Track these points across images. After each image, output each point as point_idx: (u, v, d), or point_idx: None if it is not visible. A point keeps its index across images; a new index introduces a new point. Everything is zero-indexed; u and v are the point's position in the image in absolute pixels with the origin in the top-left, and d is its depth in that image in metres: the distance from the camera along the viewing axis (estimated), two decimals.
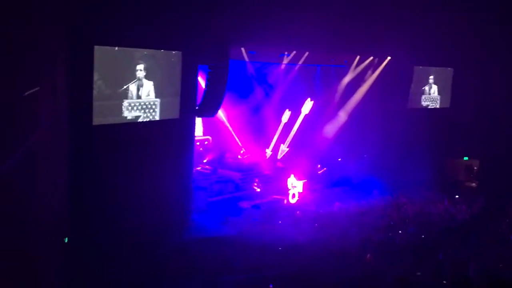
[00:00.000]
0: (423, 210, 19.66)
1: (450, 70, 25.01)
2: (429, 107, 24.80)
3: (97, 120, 13.93)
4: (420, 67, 24.15)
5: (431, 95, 24.72)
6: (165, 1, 15.13)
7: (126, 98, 14.79)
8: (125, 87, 14.67)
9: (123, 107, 14.75)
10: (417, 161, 22.04)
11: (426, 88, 24.57)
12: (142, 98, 15.22)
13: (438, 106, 25.11)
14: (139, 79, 15.04)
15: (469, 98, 23.32)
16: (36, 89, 8.31)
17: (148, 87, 15.34)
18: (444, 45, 22.52)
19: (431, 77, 24.61)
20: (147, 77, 15.21)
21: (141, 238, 14.16)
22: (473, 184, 24.59)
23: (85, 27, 12.78)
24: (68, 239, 12.43)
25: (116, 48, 14.31)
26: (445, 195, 21.63)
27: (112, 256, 13.02)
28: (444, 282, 12.59)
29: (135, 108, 15.09)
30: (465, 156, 25.09)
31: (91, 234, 13.28)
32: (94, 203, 13.59)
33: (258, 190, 21.04)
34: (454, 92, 25.08)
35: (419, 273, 12.91)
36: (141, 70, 15.03)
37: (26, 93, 7.77)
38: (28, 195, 8.20)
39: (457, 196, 21.93)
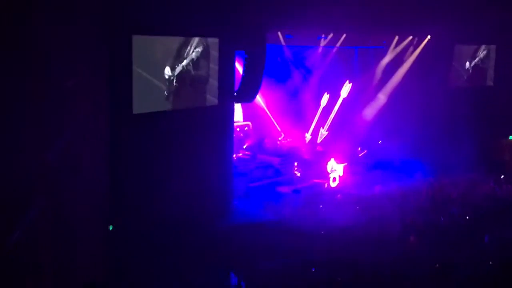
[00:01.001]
0: (468, 191, 19.32)
1: (493, 47, 24.34)
2: (471, 86, 24.21)
3: (137, 109, 14.06)
4: (461, 45, 23.57)
5: (473, 73, 24.12)
6: None
7: (165, 87, 14.84)
8: (162, 75, 14.72)
9: (160, 97, 14.80)
10: (460, 141, 21.62)
11: (467, 66, 23.99)
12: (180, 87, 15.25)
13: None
14: (178, 68, 15.07)
15: None
16: (76, 80, 8.44)
17: (187, 76, 15.35)
18: (485, 21, 21.88)
19: (474, 55, 24.00)
20: (185, 66, 15.22)
21: (183, 225, 14.32)
22: None
23: (122, 16, 12.88)
24: (113, 227, 12.66)
25: (154, 37, 14.38)
26: (490, 176, 21.20)
27: (154, 243, 13.22)
28: (490, 263, 12.37)
29: (172, 97, 15.11)
30: (510, 136, 24.46)
31: (134, 222, 13.48)
32: (136, 192, 13.77)
33: (298, 174, 21.00)
34: (497, 70, 24.43)
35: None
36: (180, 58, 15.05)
37: (66, 85, 7.90)
38: (71, 185, 8.36)
39: (502, 176, 21.45)
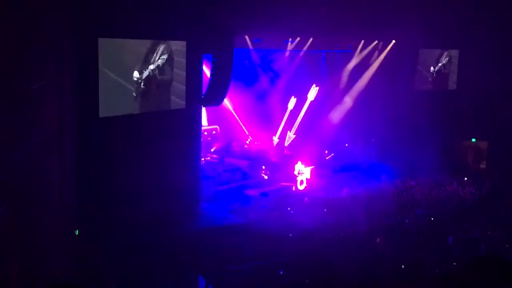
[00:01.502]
0: (432, 192, 19.65)
1: (455, 52, 24.84)
2: (435, 90, 24.67)
3: (103, 112, 13.95)
4: (425, 49, 24.00)
5: (437, 78, 24.58)
6: None
7: (131, 91, 14.75)
8: (130, 78, 14.64)
9: (127, 101, 14.70)
10: (425, 144, 21.96)
11: (431, 71, 24.45)
12: (147, 90, 15.19)
13: (448, 88, 24.98)
14: (143, 71, 15.00)
15: (476, 79, 23.14)
16: (43, 83, 8.34)
17: (153, 79, 15.30)
18: (449, 26, 22.34)
19: (437, 59, 24.47)
20: (152, 70, 15.17)
21: (150, 228, 14.23)
22: (482, 166, 24.50)
23: (88, 19, 12.77)
24: (78, 232, 12.51)
25: (120, 40, 14.30)
26: (453, 178, 21.60)
27: (121, 246, 13.10)
28: (454, 264, 12.60)
29: (139, 100, 15.04)
30: (473, 138, 24.97)
31: (100, 225, 13.34)
32: (102, 196, 13.65)
33: (266, 177, 21.06)
34: (460, 74, 24.92)
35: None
36: (144, 62, 15.00)
37: (33, 87, 7.80)
38: (37, 188, 8.24)
39: (466, 178, 21.88)
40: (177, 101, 16.26)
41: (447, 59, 24.60)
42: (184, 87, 16.35)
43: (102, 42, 13.71)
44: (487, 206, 18.32)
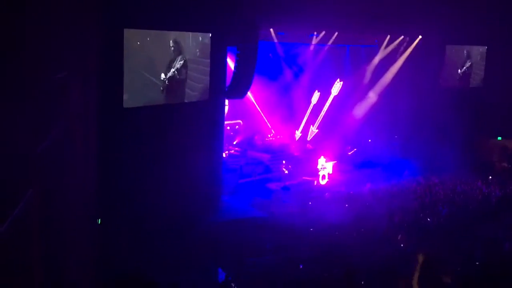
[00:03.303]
0: (456, 190, 19.43)
1: (483, 48, 24.49)
2: (462, 87, 24.38)
3: (127, 103, 14.03)
4: (452, 45, 23.69)
5: (463, 74, 24.29)
6: None
7: (156, 82, 14.84)
8: (153, 70, 14.72)
9: (151, 91, 14.79)
10: (449, 141, 21.73)
11: (458, 67, 24.15)
12: (171, 82, 15.26)
13: (471, 86, 24.68)
14: (168, 62, 15.07)
15: (503, 76, 22.83)
16: (66, 72, 8.40)
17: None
18: (477, 22, 22.00)
19: (464, 56, 24.17)
20: (176, 62, 15.24)
21: (172, 220, 14.32)
22: (507, 165, 24.15)
23: (114, 10, 12.82)
24: (100, 221, 12.62)
25: (146, 31, 14.36)
26: (478, 176, 21.33)
27: (143, 237, 13.21)
28: (477, 263, 12.44)
29: (164, 92, 15.12)
30: (499, 136, 24.62)
31: (122, 216, 13.46)
32: (124, 187, 13.74)
33: (286, 172, 21.03)
34: (487, 71, 24.57)
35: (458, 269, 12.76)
36: (171, 53, 15.06)
37: (57, 76, 7.86)
38: (60, 178, 8.33)
39: (490, 177, 21.59)
40: (193, 94, 16.31)
41: (476, 54, 24.27)
42: (199, 84, 16.37)
43: (128, 33, 13.78)
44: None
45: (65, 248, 8.88)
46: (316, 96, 24.00)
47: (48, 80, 7.62)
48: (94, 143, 10.28)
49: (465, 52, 24.20)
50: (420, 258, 11.07)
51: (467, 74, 24.47)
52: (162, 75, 15.05)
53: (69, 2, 8.64)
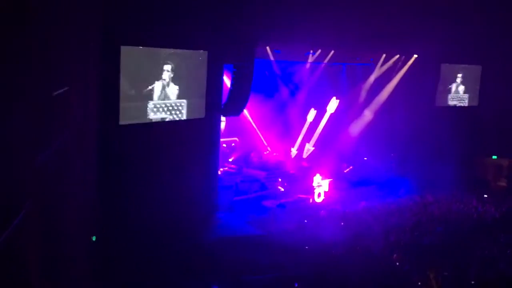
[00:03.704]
0: (451, 209, 19.45)
1: (478, 67, 24.68)
2: (457, 105, 24.54)
3: (123, 120, 14.10)
4: (447, 64, 23.87)
5: (458, 93, 24.47)
6: (191, 1, 15.20)
7: (152, 99, 14.91)
8: (150, 87, 14.80)
9: (148, 108, 14.88)
10: (445, 160, 21.78)
11: (453, 86, 24.32)
12: (168, 99, 15.33)
13: (466, 105, 24.83)
14: (165, 80, 15.15)
15: (498, 96, 22.98)
16: (66, 88, 8.44)
17: (174, 89, 15.45)
18: (472, 42, 22.22)
19: (459, 75, 24.34)
20: (174, 79, 15.32)
21: (167, 237, 14.27)
22: (503, 184, 24.22)
23: (112, 27, 12.92)
24: (95, 238, 12.57)
25: (142, 48, 14.45)
26: (473, 195, 21.38)
27: (138, 254, 13.15)
28: (472, 282, 12.45)
29: (160, 109, 15.19)
30: (494, 155, 24.71)
31: (118, 233, 13.42)
32: (121, 202, 13.73)
33: (282, 189, 21.01)
34: (482, 90, 24.74)
35: (446, 273, 12.75)
36: (168, 71, 15.14)
37: (56, 93, 7.90)
38: (59, 191, 8.33)
39: (485, 196, 21.64)
40: (197, 111, 16.38)
41: (460, 77, 24.44)
42: (205, 97, 16.48)
43: (125, 50, 13.87)
44: (507, 224, 18.06)
45: (63, 261, 8.85)
46: (312, 113, 24.06)
47: (48, 94, 7.67)
48: (93, 158, 10.31)
49: (460, 71, 24.37)
50: (431, 274, 11.08)
51: (462, 93, 24.62)
52: (151, 86, 15.05)
53: (70, 19, 8.71)
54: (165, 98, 15.25)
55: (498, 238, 16.28)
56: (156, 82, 14.94)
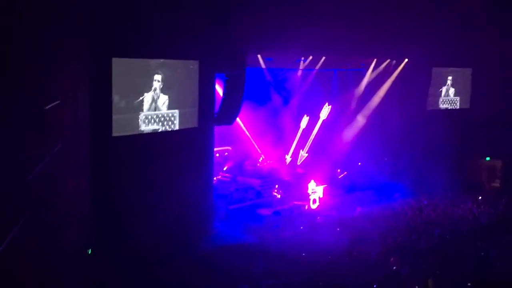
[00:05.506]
0: (446, 212, 19.50)
1: (468, 70, 24.81)
2: (448, 108, 24.65)
3: (116, 132, 14.07)
4: (438, 68, 23.99)
5: (449, 97, 24.59)
6: (181, 12, 15.23)
7: (142, 110, 14.88)
8: (141, 98, 14.78)
9: (139, 120, 14.86)
10: (439, 163, 21.86)
11: (444, 89, 24.43)
12: (159, 110, 15.31)
13: (457, 107, 24.94)
14: (156, 90, 15.14)
15: (489, 97, 23.09)
16: (58, 102, 8.43)
17: (164, 99, 15.44)
18: (462, 45, 22.36)
19: (449, 78, 24.47)
20: (163, 89, 15.31)
21: (163, 247, 14.23)
22: (496, 185, 24.31)
23: (103, 40, 12.93)
24: (91, 251, 12.53)
25: (133, 60, 14.45)
26: (468, 197, 21.44)
27: (135, 265, 13.10)
28: (469, 284, 12.46)
29: (152, 121, 15.18)
30: (488, 157, 24.81)
31: (114, 244, 13.37)
32: (116, 214, 13.68)
33: (279, 196, 21.02)
34: (474, 93, 24.86)
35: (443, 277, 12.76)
36: (158, 81, 15.14)
37: (48, 106, 7.89)
38: (51, 206, 8.30)
39: (480, 197, 21.71)
40: (190, 121, 16.39)
41: (450, 79, 24.57)
42: (197, 107, 16.50)
43: (116, 62, 13.86)
44: (502, 225, 18.11)
45: (59, 274, 8.82)
46: (305, 120, 24.12)
47: (39, 108, 7.66)
48: (86, 171, 10.29)
49: (450, 73, 24.49)
50: (430, 283, 11.06)
51: (453, 96, 24.74)
52: (143, 97, 15.06)
53: (61, 33, 8.72)
54: (156, 109, 15.24)
55: (493, 239, 16.32)
56: (146, 94, 14.92)
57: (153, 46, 14.76)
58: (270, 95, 23.40)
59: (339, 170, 23.85)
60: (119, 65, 13.97)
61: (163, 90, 15.34)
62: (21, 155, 6.69)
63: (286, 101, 23.72)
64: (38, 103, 7.47)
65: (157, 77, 15.13)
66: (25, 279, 7.05)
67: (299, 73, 23.09)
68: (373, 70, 23.75)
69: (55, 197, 8.52)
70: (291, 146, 24.22)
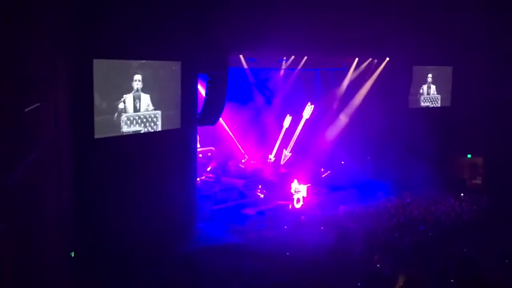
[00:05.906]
0: (429, 209, 19.64)
1: (449, 68, 25.02)
2: (430, 106, 24.84)
3: (98, 134, 14.00)
4: (419, 66, 24.16)
5: (430, 95, 24.78)
6: (162, 12, 15.18)
7: (125, 111, 14.81)
8: (122, 99, 14.71)
9: (121, 122, 14.78)
10: (421, 160, 22.00)
11: (425, 88, 24.62)
12: (140, 111, 15.25)
13: (439, 105, 25.14)
14: (137, 91, 15.07)
15: (470, 95, 23.30)
16: (37, 104, 8.35)
17: (146, 99, 15.37)
18: (442, 43, 22.55)
19: (429, 75, 24.66)
20: (144, 89, 15.25)
21: (147, 249, 14.17)
22: (478, 182, 24.55)
23: (83, 41, 12.84)
24: (74, 253, 12.44)
25: (114, 61, 14.37)
26: (450, 194, 21.62)
27: (119, 267, 13.03)
28: (452, 281, 12.54)
29: (134, 122, 15.10)
30: (469, 154, 25.05)
31: (97, 247, 13.29)
32: (99, 216, 13.63)
33: (262, 196, 21.02)
34: (454, 90, 25.07)
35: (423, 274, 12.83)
36: (138, 80, 15.07)
37: (27, 109, 7.82)
38: (32, 209, 8.23)
39: (462, 195, 21.90)
40: (173, 122, 16.32)
41: (431, 77, 24.76)
42: (179, 107, 16.45)
43: (97, 64, 13.78)
44: (484, 222, 18.30)
45: (41, 278, 8.74)
46: (288, 120, 24.14)
47: (19, 112, 7.58)
48: (68, 174, 10.21)
49: (430, 71, 24.69)
50: (401, 280, 11.12)
51: (433, 93, 24.93)
52: (124, 97, 14.96)
53: (38, 35, 8.64)
54: (138, 110, 15.17)
55: (476, 236, 16.48)
56: (128, 95, 14.84)
57: (135, 47, 14.69)
58: (252, 95, 23.37)
59: (322, 169, 23.91)
60: (100, 66, 13.90)
61: (144, 90, 15.27)
62: (2, 158, 6.63)
63: (268, 101, 23.71)
64: (17, 105, 7.40)
65: (137, 77, 15.06)
66: (5, 285, 7.00)
67: (282, 72, 23.10)
68: (354, 69, 23.84)
69: (35, 201, 8.44)
70: (275, 146, 24.23)
